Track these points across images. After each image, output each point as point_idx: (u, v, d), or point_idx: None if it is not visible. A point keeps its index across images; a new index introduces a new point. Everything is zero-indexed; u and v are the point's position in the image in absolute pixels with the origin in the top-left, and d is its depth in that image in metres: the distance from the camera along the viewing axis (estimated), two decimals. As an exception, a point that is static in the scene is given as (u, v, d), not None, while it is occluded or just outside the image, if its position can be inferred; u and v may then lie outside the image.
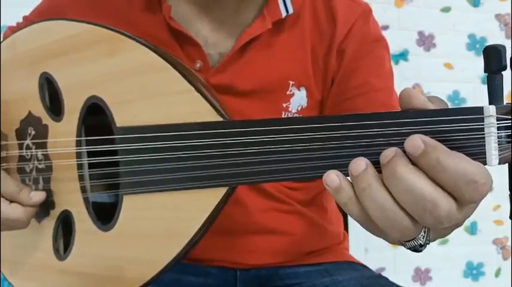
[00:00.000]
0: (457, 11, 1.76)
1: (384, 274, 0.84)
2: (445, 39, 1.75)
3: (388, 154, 0.38)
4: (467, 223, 1.79)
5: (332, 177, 0.39)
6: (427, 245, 0.40)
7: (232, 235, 0.75)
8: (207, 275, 0.77)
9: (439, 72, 1.74)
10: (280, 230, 0.77)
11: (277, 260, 0.78)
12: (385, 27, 1.68)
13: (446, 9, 1.76)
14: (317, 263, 0.80)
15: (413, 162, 0.37)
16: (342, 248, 0.85)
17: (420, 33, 1.75)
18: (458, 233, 1.77)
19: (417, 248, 0.41)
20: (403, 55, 1.72)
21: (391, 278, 0.77)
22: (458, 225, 0.41)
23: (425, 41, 1.75)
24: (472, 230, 1.80)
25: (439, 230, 0.41)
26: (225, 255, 0.76)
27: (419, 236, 0.39)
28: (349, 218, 0.94)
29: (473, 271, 1.81)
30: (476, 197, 0.36)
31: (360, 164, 0.38)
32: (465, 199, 0.37)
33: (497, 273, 1.83)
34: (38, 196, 0.60)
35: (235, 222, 0.75)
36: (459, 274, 1.81)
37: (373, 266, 0.88)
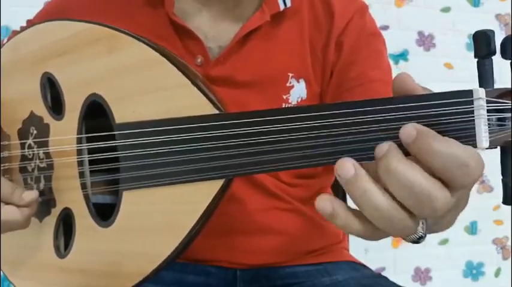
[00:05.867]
0: (457, 11, 1.77)
1: (384, 273, 0.84)
2: (445, 39, 1.76)
3: (383, 148, 0.37)
4: (467, 223, 1.79)
5: (326, 203, 0.39)
6: (425, 238, 0.41)
7: (232, 235, 0.76)
8: (207, 274, 0.77)
9: (439, 72, 1.74)
10: (279, 229, 0.77)
11: (277, 260, 0.78)
12: (385, 27, 1.68)
13: (446, 9, 1.76)
14: (317, 263, 0.80)
15: (407, 153, 0.37)
16: (341, 247, 0.85)
17: (420, 33, 1.75)
18: (458, 233, 1.78)
19: (416, 241, 0.41)
20: (403, 55, 1.72)
21: (391, 278, 0.77)
22: (450, 210, 0.41)
23: (425, 41, 1.75)
24: (472, 230, 1.80)
25: (435, 219, 0.41)
26: (225, 256, 0.76)
27: (419, 228, 0.39)
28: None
29: (473, 270, 1.81)
30: (467, 181, 0.37)
31: (349, 169, 0.38)
32: (457, 184, 0.37)
33: (497, 273, 1.84)
34: (30, 196, 0.59)
35: (235, 222, 0.75)
36: (459, 274, 1.81)
37: (373, 266, 0.88)
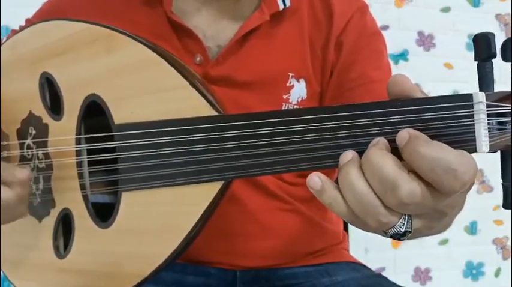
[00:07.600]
0: (457, 11, 1.76)
1: (384, 274, 0.84)
2: (445, 39, 1.75)
3: (371, 143, 0.39)
4: (467, 223, 1.79)
5: (315, 179, 0.40)
6: (409, 234, 0.40)
7: (232, 237, 0.75)
8: (207, 275, 0.77)
9: (439, 72, 1.74)
10: (280, 230, 0.77)
11: (277, 262, 0.78)
12: (385, 27, 1.68)
13: (446, 9, 1.76)
14: (317, 264, 0.80)
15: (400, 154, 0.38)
16: (341, 248, 0.85)
17: (420, 33, 1.74)
18: (458, 233, 1.78)
19: (399, 237, 0.41)
20: (403, 55, 1.72)
21: (391, 278, 0.77)
22: (445, 214, 0.41)
23: (425, 41, 1.75)
24: (472, 230, 1.80)
25: (424, 220, 0.41)
26: (225, 258, 0.76)
27: (399, 223, 0.39)
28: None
29: (473, 270, 1.81)
30: (456, 186, 0.36)
31: (347, 155, 0.40)
32: (445, 188, 0.36)
33: (497, 273, 1.83)
34: (22, 172, 0.57)
35: (235, 223, 0.75)
36: (459, 274, 1.81)
37: (373, 266, 0.88)
